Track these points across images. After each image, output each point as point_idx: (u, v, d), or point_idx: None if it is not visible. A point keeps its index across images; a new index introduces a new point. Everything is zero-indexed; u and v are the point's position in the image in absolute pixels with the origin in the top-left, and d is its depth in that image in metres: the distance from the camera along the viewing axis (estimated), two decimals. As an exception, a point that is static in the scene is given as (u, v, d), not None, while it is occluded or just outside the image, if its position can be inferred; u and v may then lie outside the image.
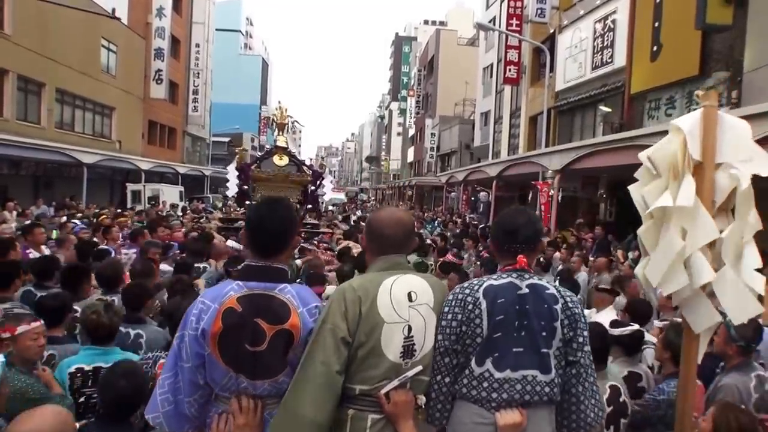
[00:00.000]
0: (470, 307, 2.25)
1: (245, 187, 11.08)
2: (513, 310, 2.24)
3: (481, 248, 11.44)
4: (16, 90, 20.92)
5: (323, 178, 12.07)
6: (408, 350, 2.25)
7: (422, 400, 2.30)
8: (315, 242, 9.95)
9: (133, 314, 4.08)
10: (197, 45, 40.01)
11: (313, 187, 11.72)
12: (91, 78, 26.13)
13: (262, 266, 2.40)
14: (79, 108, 26.21)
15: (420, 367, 2.28)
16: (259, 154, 18.46)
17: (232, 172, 11.39)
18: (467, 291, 2.31)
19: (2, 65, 19.73)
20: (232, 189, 11.39)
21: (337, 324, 2.19)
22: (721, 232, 2.27)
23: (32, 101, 22.32)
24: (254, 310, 2.27)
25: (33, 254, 7.15)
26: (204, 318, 2.27)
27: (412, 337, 2.26)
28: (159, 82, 32.93)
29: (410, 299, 2.30)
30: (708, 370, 3.83)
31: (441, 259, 8.57)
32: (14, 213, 13.72)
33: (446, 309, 2.32)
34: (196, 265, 6.67)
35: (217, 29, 47.83)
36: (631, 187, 2.57)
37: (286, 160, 11.39)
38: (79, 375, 3.36)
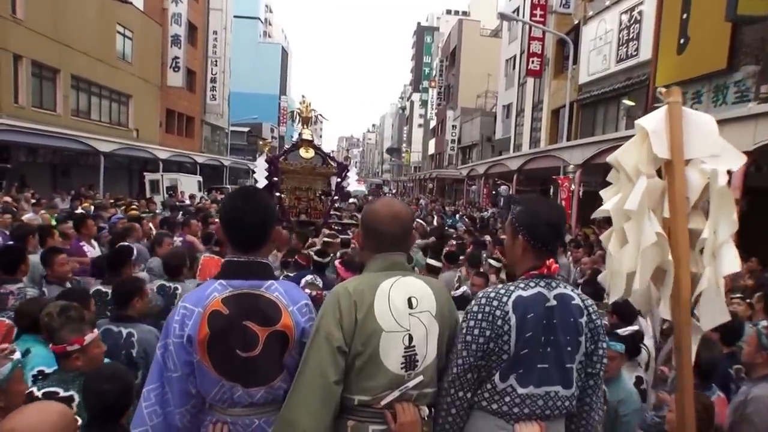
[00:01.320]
0: (499, 322, 2.11)
1: (275, 179, 11.28)
2: (541, 326, 2.13)
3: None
4: (31, 76, 20.83)
5: (348, 170, 12.25)
6: (410, 361, 2.13)
7: (425, 411, 2.18)
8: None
9: (121, 312, 3.91)
10: (215, 32, 39.75)
11: (338, 179, 11.95)
12: (106, 65, 26.03)
13: (244, 261, 2.24)
14: (95, 95, 26.15)
15: (421, 377, 2.15)
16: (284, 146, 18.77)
17: (261, 165, 11.51)
18: (495, 303, 2.14)
19: (16, 50, 19.58)
20: (261, 181, 11.41)
21: (331, 332, 2.06)
22: (697, 231, 2.24)
23: (47, 88, 22.26)
24: (242, 312, 2.13)
25: (87, 248, 7.18)
26: (188, 324, 2.12)
27: (414, 347, 2.13)
28: (176, 69, 32.78)
29: (410, 306, 2.15)
30: (722, 371, 3.85)
31: (448, 249, 8.41)
32: (30, 203, 13.62)
33: (472, 323, 2.15)
34: None
35: (235, 16, 47.75)
36: (602, 192, 2.51)
37: (311, 152, 11.70)
38: (40, 378, 3.20)
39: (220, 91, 40.68)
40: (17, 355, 2.58)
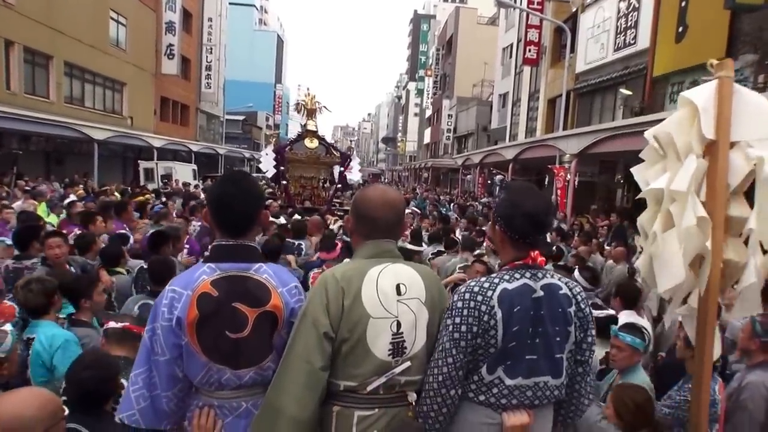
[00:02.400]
0: (485, 318, 2.07)
1: (281, 167, 11.93)
2: (528, 318, 2.09)
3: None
4: (23, 62, 20.61)
5: (351, 160, 12.89)
6: (397, 348, 2.12)
7: (413, 396, 2.18)
8: None
9: (158, 287, 4.06)
10: (210, 19, 39.40)
11: (341, 168, 12.63)
12: (100, 51, 25.80)
13: (233, 245, 2.24)
14: (89, 82, 25.94)
15: (408, 364, 2.14)
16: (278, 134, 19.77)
17: (269, 154, 12.07)
18: (479, 298, 2.08)
19: (7, 36, 19.37)
20: (270, 170, 12.05)
21: (318, 318, 2.06)
22: (739, 218, 2.11)
23: (40, 74, 22.04)
24: (231, 294, 2.14)
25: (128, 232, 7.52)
26: (177, 306, 2.11)
27: (402, 333, 2.12)
28: (171, 57, 32.47)
29: (399, 292, 2.15)
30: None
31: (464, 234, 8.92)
32: (24, 191, 13.53)
33: (458, 320, 2.10)
34: (289, 241, 7.08)
35: (230, 3, 47.29)
36: (634, 169, 2.39)
37: (316, 142, 12.52)
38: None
39: (215, 79, 40.43)
40: (9, 327, 2.84)
